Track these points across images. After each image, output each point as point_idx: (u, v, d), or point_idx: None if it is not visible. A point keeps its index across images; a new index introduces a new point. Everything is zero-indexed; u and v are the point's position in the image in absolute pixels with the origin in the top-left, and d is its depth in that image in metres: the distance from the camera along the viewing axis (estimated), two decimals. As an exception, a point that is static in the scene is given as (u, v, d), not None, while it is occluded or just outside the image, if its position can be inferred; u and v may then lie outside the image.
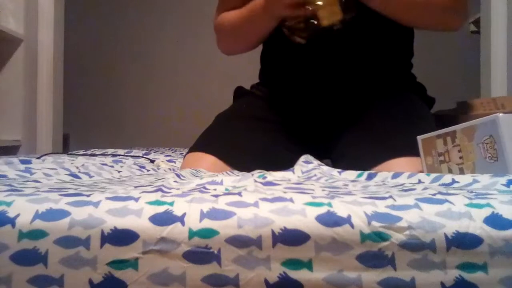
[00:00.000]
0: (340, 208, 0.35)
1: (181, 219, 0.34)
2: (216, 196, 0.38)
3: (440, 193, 0.40)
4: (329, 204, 0.35)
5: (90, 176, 0.64)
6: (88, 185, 0.50)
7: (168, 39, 2.77)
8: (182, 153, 1.21)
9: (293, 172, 0.63)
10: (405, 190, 0.44)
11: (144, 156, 1.02)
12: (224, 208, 0.35)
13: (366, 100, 0.87)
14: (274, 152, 0.86)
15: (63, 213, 0.35)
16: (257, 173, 0.61)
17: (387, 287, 0.32)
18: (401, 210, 0.35)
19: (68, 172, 0.64)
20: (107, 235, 0.33)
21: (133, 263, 0.33)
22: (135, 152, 1.11)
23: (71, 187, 0.46)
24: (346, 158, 0.80)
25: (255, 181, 0.52)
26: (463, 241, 0.33)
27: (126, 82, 2.79)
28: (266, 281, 0.33)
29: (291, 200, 0.36)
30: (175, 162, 0.96)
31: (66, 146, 2.40)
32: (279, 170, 0.64)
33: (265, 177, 0.56)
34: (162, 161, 0.95)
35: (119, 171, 0.72)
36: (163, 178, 0.55)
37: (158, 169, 0.84)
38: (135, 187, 0.46)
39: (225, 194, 0.39)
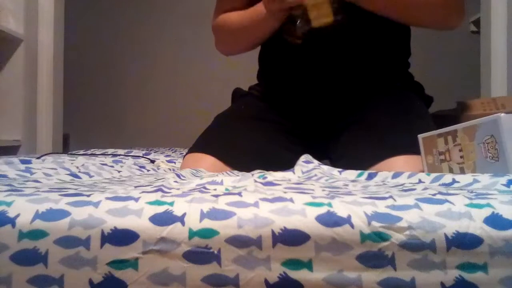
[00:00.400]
0: (340, 208, 0.35)
1: (181, 219, 0.34)
2: (216, 196, 0.38)
3: (440, 193, 0.40)
4: (329, 204, 0.35)
5: (90, 176, 0.64)
6: (88, 185, 0.50)
7: (168, 39, 2.77)
8: (182, 153, 1.20)
9: (293, 172, 0.63)
10: (405, 190, 0.44)
11: (144, 156, 1.02)
12: (224, 208, 0.35)
13: (364, 99, 0.88)
14: (273, 152, 0.86)
15: (63, 213, 0.35)
16: (257, 173, 0.61)
17: (387, 287, 0.32)
18: (401, 210, 0.35)
19: (68, 172, 0.64)
20: (107, 235, 0.33)
21: (133, 263, 0.33)
22: (135, 152, 1.11)
23: (71, 187, 0.46)
24: (345, 157, 0.80)
25: (255, 181, 0.52)
26: (463, 241, 0.33)
27: (126, 82, 2.79)
28: (266, 281, 0.33)
29: (291, 200, 0.36)
30: (175, 163, 0.96)
31: (66, 146, 2.40)
32: (278, 170, 0.64)
33: (265, 177, 0.56)
34: (162, 162, 0.95)
35: (119, 171, 0.72)
36: (163, 178, 0.55)
37: (158, 169, 0.84)
38: (135, 187, 0.46)
39: (225, 194, 0.39)
